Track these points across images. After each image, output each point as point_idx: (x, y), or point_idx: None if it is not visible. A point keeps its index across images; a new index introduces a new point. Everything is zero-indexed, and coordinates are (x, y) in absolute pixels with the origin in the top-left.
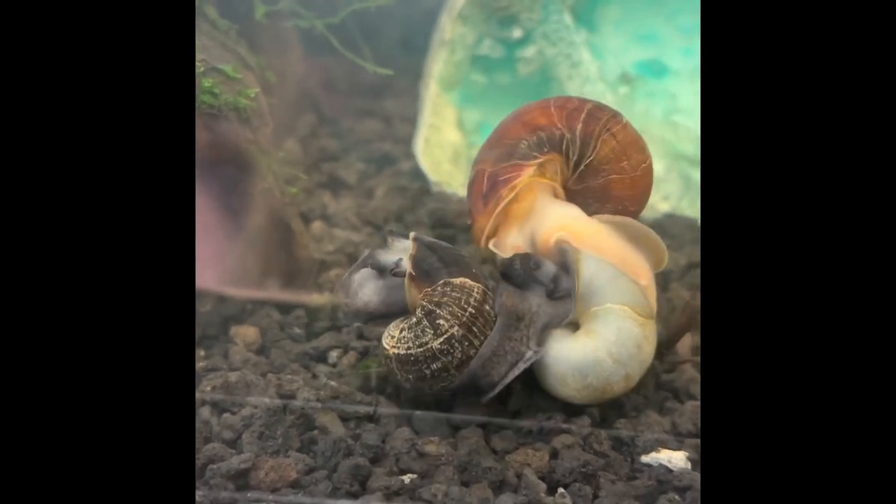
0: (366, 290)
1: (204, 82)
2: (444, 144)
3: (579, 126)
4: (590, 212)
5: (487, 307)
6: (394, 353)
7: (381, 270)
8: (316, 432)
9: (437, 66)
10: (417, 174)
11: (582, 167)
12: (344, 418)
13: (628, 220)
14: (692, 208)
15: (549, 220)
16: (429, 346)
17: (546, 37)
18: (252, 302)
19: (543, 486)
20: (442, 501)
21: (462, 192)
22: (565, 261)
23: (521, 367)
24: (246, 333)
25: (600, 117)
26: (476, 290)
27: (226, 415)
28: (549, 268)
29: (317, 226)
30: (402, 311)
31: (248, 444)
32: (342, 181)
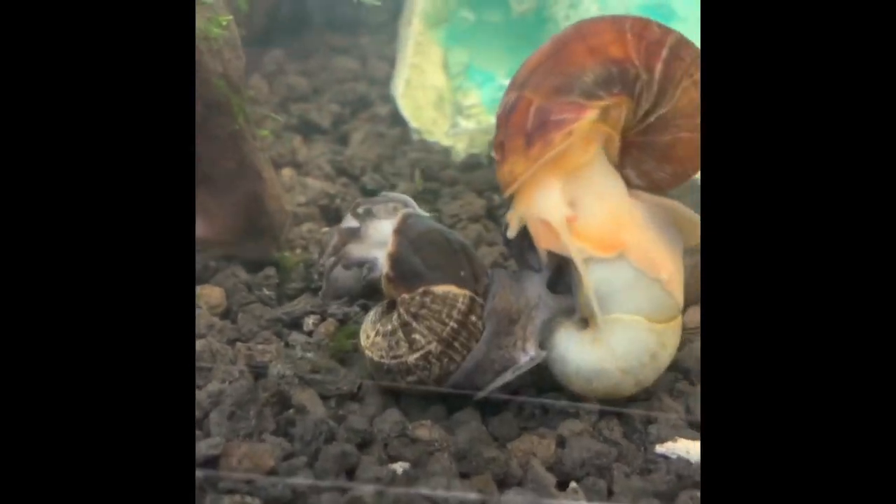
0: (343, 277)
1: None
2: (427, 87)
3: (659, 66)
4: (643, 170)
5: (474, 317)
6: (368, 356)
7: (353, 269)
8: (293, 412)
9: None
10: (396, 119)
11: (652, 119)
12: (324, 396)
13: (665, 201)
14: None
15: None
16: (403, 359)
17: None
18: (216, 259)
19: (553, 479)
20: (443, 498)
21: (445, 141)
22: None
23: (509, 376)
24: (210, 295)
25: (684, 58)
26: (461, 299)
27: None
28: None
29: (286, 173)
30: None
31: (217, 426)
32: (314, 124)
